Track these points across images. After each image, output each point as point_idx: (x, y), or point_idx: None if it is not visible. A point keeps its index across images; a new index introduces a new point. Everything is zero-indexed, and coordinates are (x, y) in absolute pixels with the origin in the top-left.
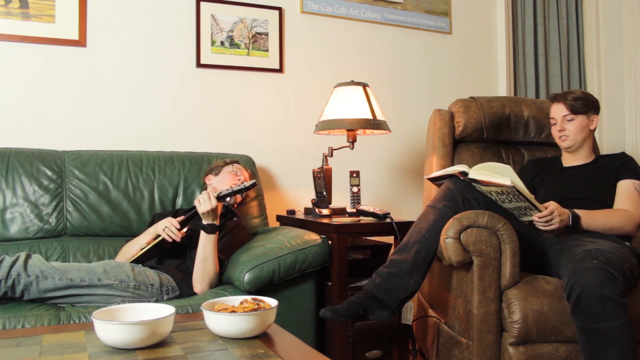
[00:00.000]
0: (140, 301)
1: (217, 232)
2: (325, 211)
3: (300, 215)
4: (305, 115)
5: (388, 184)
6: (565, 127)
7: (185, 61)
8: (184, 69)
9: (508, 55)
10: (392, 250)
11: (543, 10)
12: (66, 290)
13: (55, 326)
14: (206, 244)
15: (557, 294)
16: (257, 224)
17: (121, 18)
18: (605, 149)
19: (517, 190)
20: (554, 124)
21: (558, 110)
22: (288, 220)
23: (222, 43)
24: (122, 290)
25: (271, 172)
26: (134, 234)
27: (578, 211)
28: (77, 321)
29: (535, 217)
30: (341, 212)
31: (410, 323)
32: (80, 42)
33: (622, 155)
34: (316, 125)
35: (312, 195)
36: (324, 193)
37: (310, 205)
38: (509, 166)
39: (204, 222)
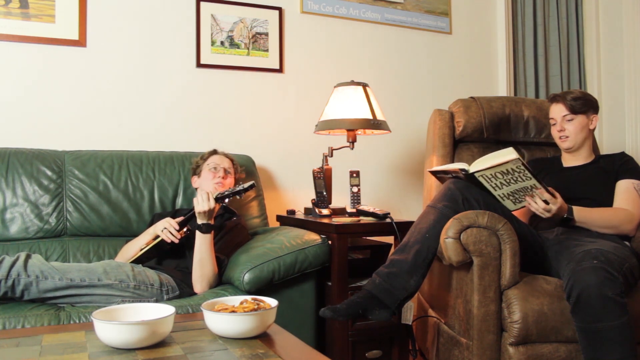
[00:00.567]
0: (140, 301)
1: (213, 232)
2: (325, 211)
3: (300, 215)
4: (305, 115)
5: (388, 184)
6: (565, 127)
7: (185, 61)
8: (184, 69)
9: (508, 55)
10: (392, 250)
11: (543, 10)
12: (66, 291)
13: (55, 326)
14: (202, 244)
15: (557, 294)
16: (257, 224)
17: (121, 18)
18: (605, 148)
19: (523, 165)
20: (554, 124)
21: (557, 111)
22: (288, 220)
23: (222, 43)
24: (122, 290)
25: (271, 172)
26: (134, 234)
27: (575, 207)
28: (77, 321)
29: (540, 193)
30: (341, 212)
31: (410, 323)
32: (80, 42)
33: (622, 155)
34: (316, 125)
35: (312, 195)
36: (324, 193)
37: (310, 205)
38: (510, 147)
39: (199, 221)
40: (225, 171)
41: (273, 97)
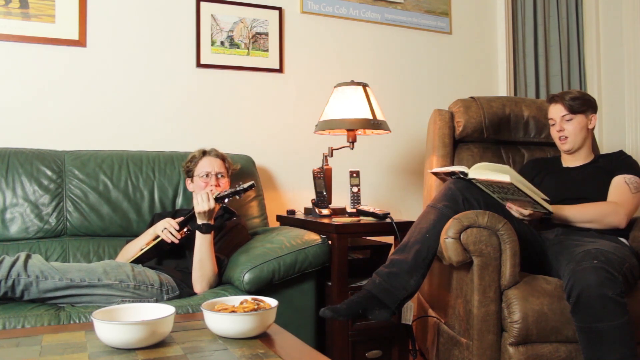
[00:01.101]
0: (140, 301)
1: (212, 232)
2: (325, 211)
3: (300, 215)
4: (305, 115)
5: (388, 184)
6: (564, 127)
7: (185, 61)
8: (184, 69)
9: (508, 55)
10: (392, 250)
11: (543, 10)
12: (66, 291)
13: (55, 326)
14: (202, 244)
15: (557, 294)
16: (257, 224)
17: (121, 18)
18: (605, 148)
19: (517, 188)
20: (553, 124)
21: (556, 111)
22: (288, 220)
23: (222, 43)
24: (122, 290)
25: (271, 172)
26: (134, 234)
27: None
28: (77, 321)
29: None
30: (341, 212)
31: (410, 323)
32: (80, 42)
33: (620, 154)
34: (316, 125)
35: (312, 195)
36: (324, 193)
37: (310, 205)
38: (507, 166)
39: (199, 221)
40: (218, 175)
41: (273, 97)
